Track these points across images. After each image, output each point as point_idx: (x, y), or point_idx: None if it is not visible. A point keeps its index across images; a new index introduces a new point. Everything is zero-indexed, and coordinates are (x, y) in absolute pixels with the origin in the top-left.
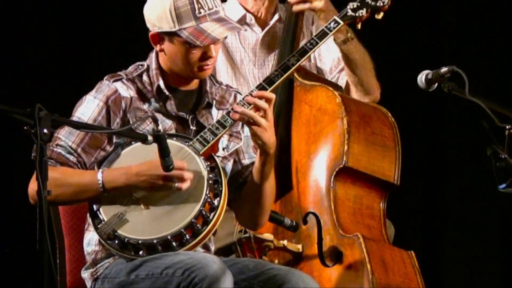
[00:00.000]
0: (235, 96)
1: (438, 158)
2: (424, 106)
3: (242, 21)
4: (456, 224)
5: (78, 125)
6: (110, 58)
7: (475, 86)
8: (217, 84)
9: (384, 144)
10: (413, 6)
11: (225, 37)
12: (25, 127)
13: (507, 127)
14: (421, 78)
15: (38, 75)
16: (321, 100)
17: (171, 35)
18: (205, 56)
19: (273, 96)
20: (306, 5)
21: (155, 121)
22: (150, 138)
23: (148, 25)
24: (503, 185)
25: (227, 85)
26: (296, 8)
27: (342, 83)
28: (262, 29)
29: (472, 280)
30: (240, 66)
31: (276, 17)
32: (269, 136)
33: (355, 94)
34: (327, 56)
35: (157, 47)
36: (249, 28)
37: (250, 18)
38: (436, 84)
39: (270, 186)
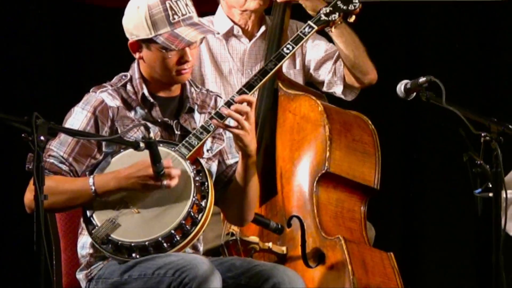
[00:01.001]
0: (215, 100)
1: (417, 163)
2: (403, 114)
3: (230, 33)
4: (434, 227)
5: (74, 133)
6: (101, 70)
7: (451, 95)
8: (197, 89)
9: (364, 151)
10: (393, 21)
11: (201, 41)
12: (23, 135)
13: (482, 134)
14: (400, 87)
15: (35, 86)
16: (304, 109)
17: (148, 42)
18: (182, 60)
19: (253, 99)
20: None
21: (147, 129)
22: (142, 145)
23: (127, 34)
24: (479, 190)
25: (207, 90)
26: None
27: (339, 72)
28: (249, 40)
29: (448, 280)
30: (228, 75)
31: (262, 28)
32: (251, 138)
33: (354, 77)
34: (314, 52)
35: (137, 55)
36: (237, 39)
37: (237, 30)
38: (415, 93)
39: (253, 185)
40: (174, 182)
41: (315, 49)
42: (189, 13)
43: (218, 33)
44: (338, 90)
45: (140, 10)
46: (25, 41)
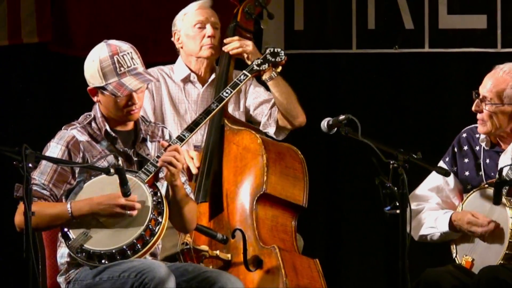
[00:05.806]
0: (162, 130)
1: (338, 186)
2: (327, 145)
3: (187, 79)
4: (352, 238)
5: (56, 161)
6: (80, 111)
7: (366, 130)
8: (147, 122)
9: (295, 176)
10: (318, 70)
11: (147, 86)
12: (14, 162)
13: (391, 162)
14: (324, 124)
15: (24, 122)
16: (246, 141)
17: (101, 88)
18: (129, 103)
19: (177, 146)
20: (240, 49)
21: (116, 157)
22: (112, 170)
23: (87, 82)
24: (388, 208)
25: (155, 122)
26: (232, 52)
27: (274, 116)
28: (202, 86)
29: (364, 282)
30: (184, 115)
31: (213, 76)
32: (178, 175)
33: (287, 120)
34: (253, 97)
35: (95, 99)
36: (192, 84)
37: (193, 77)
38: (336, 129)
39: (185, 204)
40: (135, 213)
41: (254, 94)
42: (134, 65)
43: (158, 81)
44: (271, 131)
45: (94, 63)
46: (17, 86)
